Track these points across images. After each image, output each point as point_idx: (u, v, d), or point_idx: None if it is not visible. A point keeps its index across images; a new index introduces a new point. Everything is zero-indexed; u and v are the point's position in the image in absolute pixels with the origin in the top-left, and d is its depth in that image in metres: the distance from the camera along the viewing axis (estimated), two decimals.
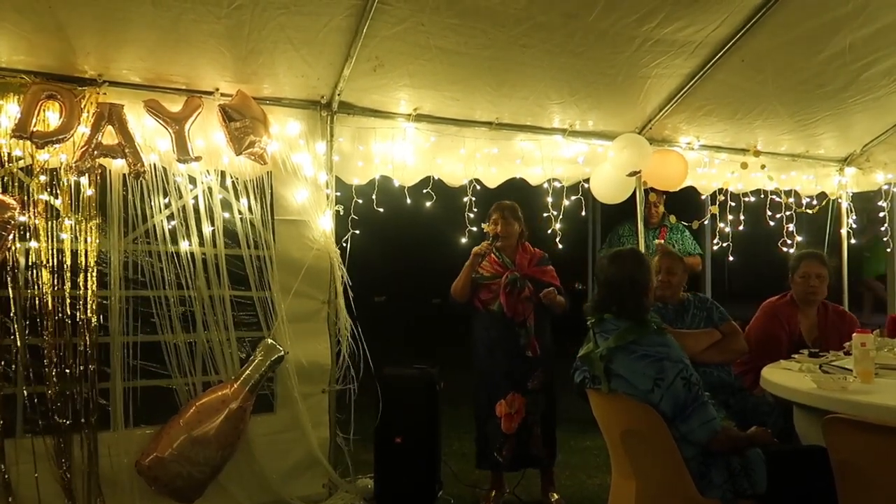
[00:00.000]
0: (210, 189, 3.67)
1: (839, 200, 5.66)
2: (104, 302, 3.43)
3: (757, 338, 3.95)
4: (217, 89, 3.63)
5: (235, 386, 3.55)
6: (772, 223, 5.45)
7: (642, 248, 4.82)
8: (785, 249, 5.36)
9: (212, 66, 3.53)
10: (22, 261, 3.26)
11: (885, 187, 5.66)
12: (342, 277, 3.92)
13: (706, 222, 5.41)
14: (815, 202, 5.57)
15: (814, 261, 4.01)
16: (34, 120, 3.23)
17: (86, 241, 3.37)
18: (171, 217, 3.58)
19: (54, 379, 3.27)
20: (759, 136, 5.04)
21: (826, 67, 4.17)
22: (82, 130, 3.32)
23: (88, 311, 3.36)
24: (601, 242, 7.28)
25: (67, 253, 3.33)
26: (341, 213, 3.99)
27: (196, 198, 3.64)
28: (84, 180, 3.36)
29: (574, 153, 4.69)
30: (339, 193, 4.02)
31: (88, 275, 3.37)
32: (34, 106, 3.22)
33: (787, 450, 2.83)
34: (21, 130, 3.20)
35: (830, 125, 4.95)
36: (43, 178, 3.30)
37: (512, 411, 3.86)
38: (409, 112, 4.14)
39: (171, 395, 3.56)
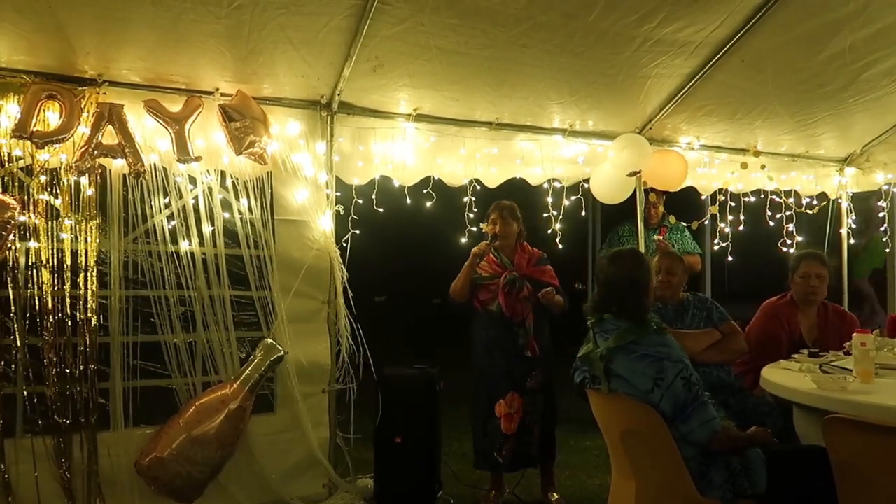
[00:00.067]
0: (210, 189, 3.67)
1: (839, 200, 5.66)
2: (104, 302, 3.43)
3: (757, 338, 3.95)
4: (217, 89, 3.64)
5: (235, 386, 3.55)
6: (772, 223, 5.45)
7: (642, 248, 4.82)
8: (785, 249, 5.36)
9: (212, 66, 3.53)
10: (22, 260, 3.26)
11: (885, 187, 5.66)
12: (342, 277, 3.92)
13: (706, 222, 5.41)
14: (815, 202, 5.57)
15: (814, 261, 4.01)
16: (34, 120, 3.23)
17: (86, 240, 3.37)
18: (171, 217, 3.58)
19: (54, 379, 3.27)
20: (759, 136, 5.04)
21: (826, 67, 4.17)
22: (82, 130, 3.33)
23: (88, 310, 3.36)
24: (601, 242, 7.28)
25: (67, 253, 3.33)
26: (341, 213, 3.99)
27: (196, 198, 3.64)
28: (84, 180, 3.37)
29: (574, 153, 4.69)
30: (339, 193, 4.02)
31: (88, 275, 3.37)
32: (34, 106, 3.23)
33: (787, 450, 2.83)
34: (21, 130, 3.20)
35: (830, 125, 4.95)
36: (43, 177, 3.30)
37: (511, 411, 3.86)
38: (409, 112, 4.14)
39: (170, 395, 3.56)
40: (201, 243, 3.64)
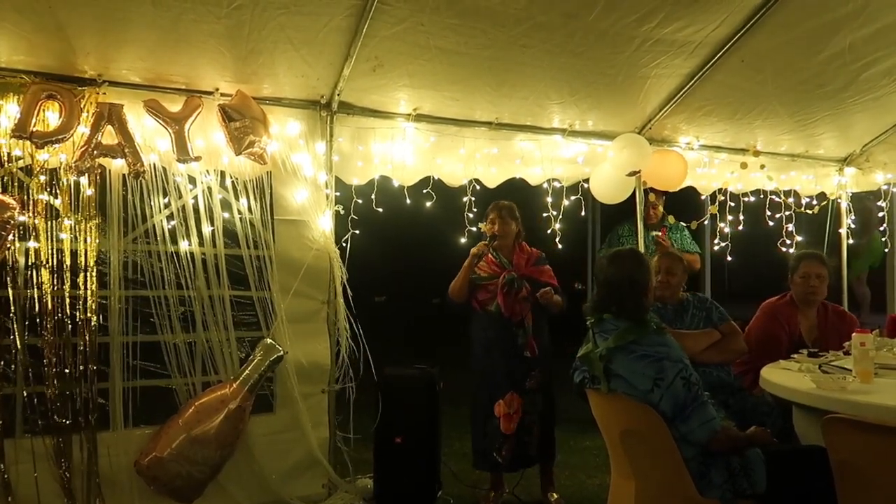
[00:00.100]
0: (210, 189, 3.67)
1: (839, 200, 5.66)
2: (104, 302, 3.43)
3: (757, 338, 3.95)
4: (217, 89, 3.63)
5: (234, 386, 3.55)
6: (771, 223, 5.45)
7: (642, 249, 4.82)
8: (784, 249, 5.36)
9: (212, 66, 3.53)
10: (22, 261, 3.26)
11: (885, 187, 5.67)
12: (342, 277, 3.92)
13: (706, 222, 5.41)
14: (814, 202, 5.58)
15: (813, 261, 4.01)
16: (34, 120, 3.23)
17: (85, 241, 3.37)
18: (170, 217, 3.58)
19: (54, 379, 3.27)
20: (758, 136, 5.04)
21: (826, 67, 4.17)
22: (82, 130, 3.32)
23: (88, 311, 3.36)
24: (601, 242, 7.28)
25: (67, 253, 3.33)
26: (341, 213, 3.99)
27: (196, 198, 3.64)
28: (84, 180, 3.37)
29: (574, 153, 4.69)
30: (338, 193, 4.02)
31: (88, 275, 3.37)
32: (34, 106, 3.22)
33: (787, 450, 2.83)
34: (21, 130, 3.20)
35: (830, 125, 4.95)
36: (43, 177, 3.30)
37: (510, 411, 3.86)
38: (409, 112, 4.14)
39: (170, 395, 3.57)
40: (201, 243, 3.64)
